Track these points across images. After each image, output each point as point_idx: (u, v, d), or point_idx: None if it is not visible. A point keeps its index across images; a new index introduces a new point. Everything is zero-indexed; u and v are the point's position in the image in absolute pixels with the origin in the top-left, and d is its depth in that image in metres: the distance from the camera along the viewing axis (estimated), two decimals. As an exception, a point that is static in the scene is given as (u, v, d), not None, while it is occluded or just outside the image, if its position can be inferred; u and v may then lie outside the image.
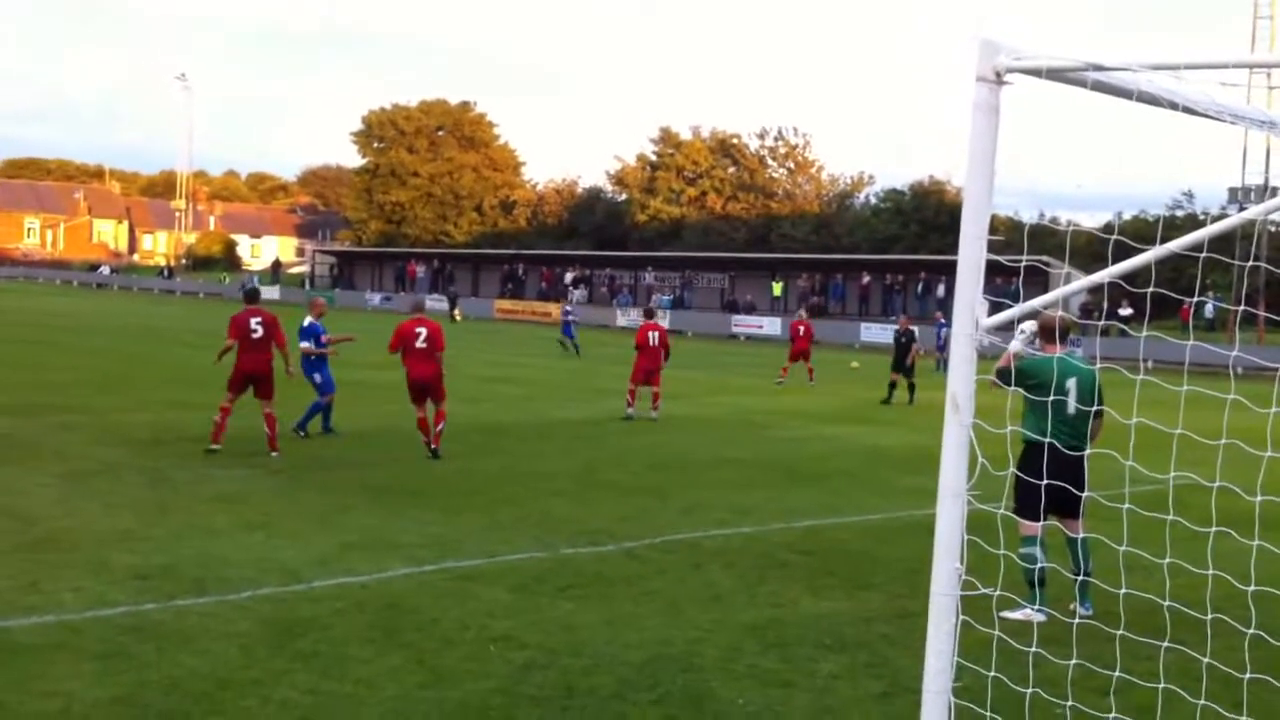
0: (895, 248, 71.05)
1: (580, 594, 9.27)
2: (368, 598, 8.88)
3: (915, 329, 29.45)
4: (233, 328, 15.64)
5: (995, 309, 4.31)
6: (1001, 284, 24.37)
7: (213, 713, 6.42)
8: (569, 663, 7.52)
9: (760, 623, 8.64)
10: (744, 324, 63.26)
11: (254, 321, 15.67)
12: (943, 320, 44.99)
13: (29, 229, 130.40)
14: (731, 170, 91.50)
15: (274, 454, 15.14)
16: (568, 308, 46.88)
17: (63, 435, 16.68)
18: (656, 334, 22.30)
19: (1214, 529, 4.30)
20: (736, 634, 8.32)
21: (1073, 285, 4.51)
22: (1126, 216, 59.71)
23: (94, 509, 11.81)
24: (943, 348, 42.78)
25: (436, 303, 75.88)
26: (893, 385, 27.79)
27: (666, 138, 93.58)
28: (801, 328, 32.97)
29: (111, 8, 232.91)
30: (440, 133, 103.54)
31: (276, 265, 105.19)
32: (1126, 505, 4.55)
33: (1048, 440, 7.83)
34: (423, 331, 16.20)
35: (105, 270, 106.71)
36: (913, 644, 6.94)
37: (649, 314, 25.07)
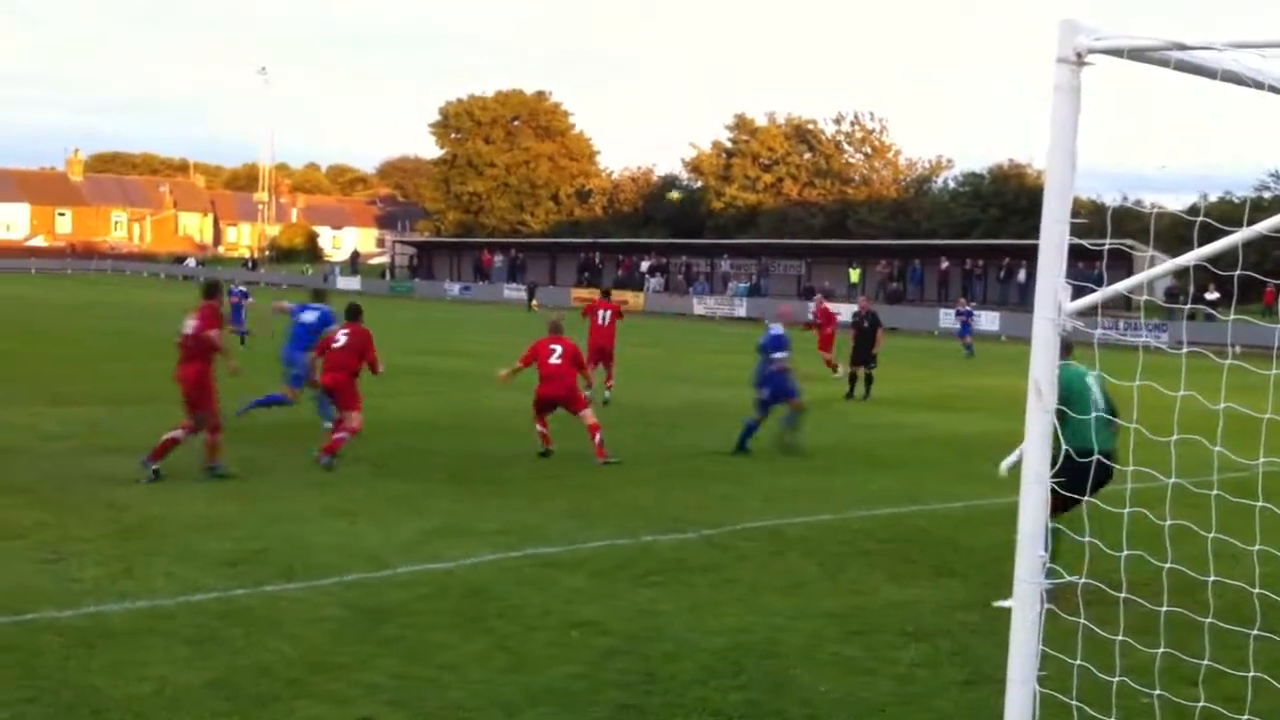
0: (974, 232, 70.22)
1: (661, 581, 9.32)
2: (452, 584, 9.01)
3: (877, 311, 26.80)
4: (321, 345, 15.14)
5: (1078, 293, 4.27)
6: (1084, 268, 23.91)
7: (302, 695, 6.56)
8: (650, 649, 7.57)
9: (842, 610, 8.63)
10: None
11: (341, 334, 15.22)
12: (966, 307, 44.45)
13: (116, 222, 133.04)
14: (807, 156, 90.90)
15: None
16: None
17: (154, 424, 17.02)
18: (608, 313, 22.36)
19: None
20: (818, 622, 8.33)
21: (1157, 269, 4.46)
22: (1212, 198, 58.54)
23: (184, 497, 12.07)
24: (964, 334, 42.33)
25: (514, 292, 76.42)
26: (853, 378, 24.89)
27: (742, 124, 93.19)
28: (824, 313, 30.33)
29: (195, 3, 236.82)
30: (516, 123, 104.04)
31: (355, 256, 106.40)
32: (1215, 492, 4.49)
33: (1096, 453, 7.55)
34: (557, 349, 15.84)
35: (191, 263, 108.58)
36: (996, 632, 6.90)
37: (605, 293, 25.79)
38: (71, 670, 6.88)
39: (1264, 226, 4.05)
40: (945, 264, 65.04)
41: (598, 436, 15.05)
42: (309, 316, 17.09)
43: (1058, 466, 7.91)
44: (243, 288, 35.16)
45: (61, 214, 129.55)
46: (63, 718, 6.17)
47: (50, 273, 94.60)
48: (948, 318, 56.39)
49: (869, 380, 24.69)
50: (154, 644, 7.39)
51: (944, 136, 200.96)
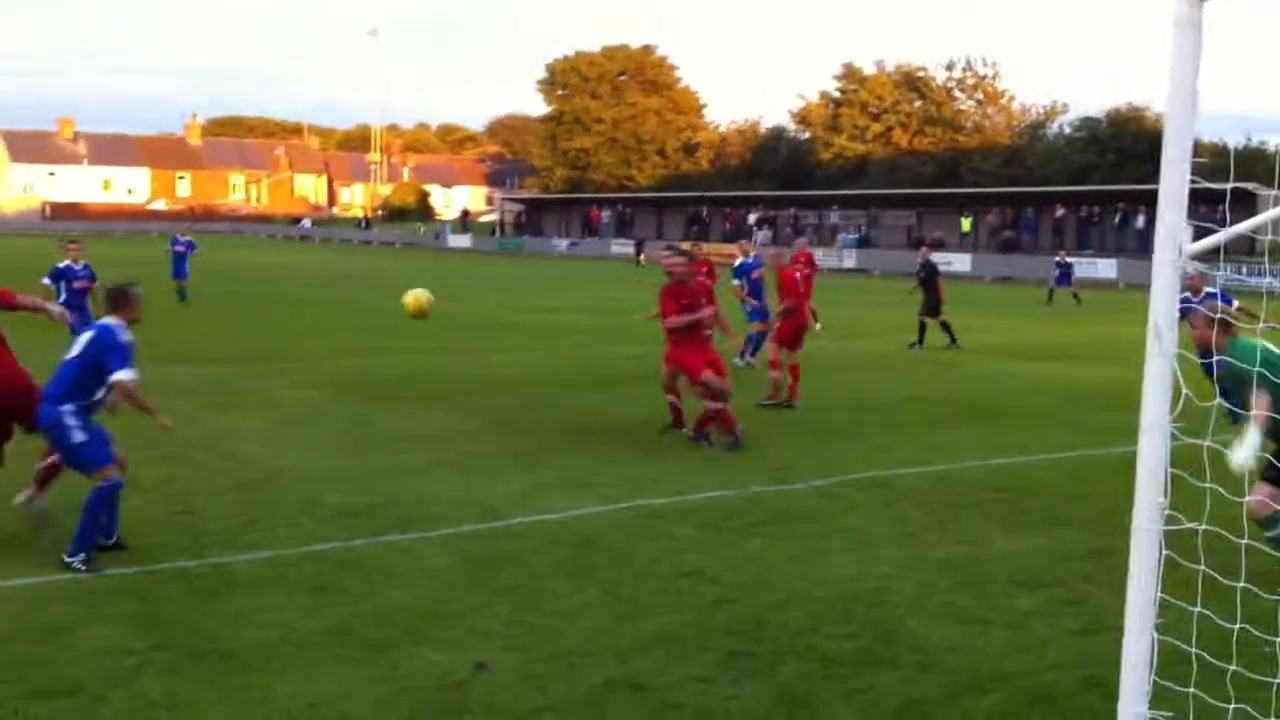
0: (1091, 178, 68.56)
1: (769, 531, 9.33)
2: (563, 534, 9.12)
3: (934, 261, 25.36)
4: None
5: (1199, 235, 4.16)
6: (1206, 212, 23.17)
7: (419, 642, 6.72)
8: (759, 597, 7.60)
9: (954, 560, 8.56)
10: (939, 260, 61.96)
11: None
12: (1066, 258, 43.29)
13: (234, 185, 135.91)
14: (918, 104, 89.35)
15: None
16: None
17: (273, 381, 17.47)
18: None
19: None
20: (929, 571, 8.27)
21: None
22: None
23: (303, 450, 12.37)
24: (1063, 281, 41.18)
25: (622, 247, 76.56)
26: (922, 327, 23.82)
27: (850, 73, 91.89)
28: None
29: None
30: (622, 78, 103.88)
31: (465, 214, 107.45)
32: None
33: None
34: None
35: (307, 223, 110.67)
36: (1113, 582, 6.78)
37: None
38: (197, 617, 7.11)
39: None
40: (1060, 212, 63.59)
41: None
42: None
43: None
44: (188, 238, 34.17)
45: (181, 177, 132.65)
46: (189, 662, 6.38)
47: (170, 234, 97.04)
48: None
49: (945, 327, 23.81)
50: (277, 592, 7.62)
51: (1059, 81, 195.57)
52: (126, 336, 8.36)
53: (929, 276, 24.45)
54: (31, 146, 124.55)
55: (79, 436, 8.14)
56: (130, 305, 8.56)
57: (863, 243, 69.10)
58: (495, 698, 5.95)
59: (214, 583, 7.82)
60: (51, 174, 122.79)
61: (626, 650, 6.63)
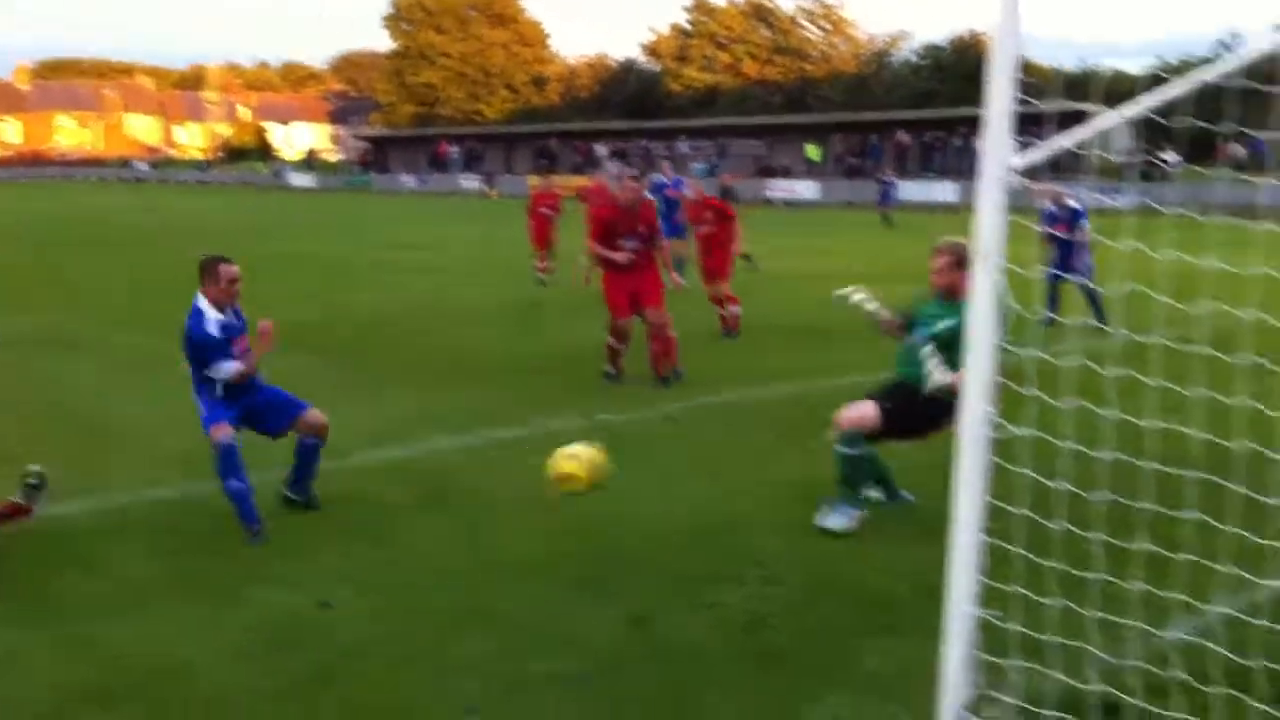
0: (934, 104, 69.93)
1: (621, 459, 9.30)
2: (412, 469, 9.05)
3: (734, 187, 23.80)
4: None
5: (1023, 150, 4.24)
6: (1036, 132, 23.82)
7: (264, 583, 6.60)
8: (610, 524, 7.65)
9: (799, 479, 8.71)
10: (780, 189, 62.71)
11: None
12: (888, 177, 45.00)
13: (63, 128, 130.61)
14: (765, 34, 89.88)
15: None
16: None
17: (108, 329, 16.90)
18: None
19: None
20: (775, 490, 8.42)
21: (1102, 120, 4.39)
22: (1170, 60, 58.41)
23: (140, 397, 12.01)
24: (884, 201, 42.92)
25: (471, 182, 75.73)
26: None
27: (700, 5, 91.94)
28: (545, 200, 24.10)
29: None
30: (470, 11, 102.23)
31: (311, 153, 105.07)
32: (1157, 339, 4.53)
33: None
34: None
35: (143, 166, 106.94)
36: (946, 493, 7.00)
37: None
38: (34, 569, 6.89)
39: (1205, 75, 4.01)
40: (905, 138, 64.76)
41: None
42: None
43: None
44: None
45: (8, 122, 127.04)
46: (24, 613, 6.19)
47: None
48: (908, 189, 56.43)
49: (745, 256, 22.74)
50: (116, 541, 7.41)
51: (904, 9, 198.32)
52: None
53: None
54: None
55: None
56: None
57: (712, 172, 69.48)
58: (339, 633, 5.89)
59: (51, 534, 7.56)
60: None
61: (476, 581, 6.62)
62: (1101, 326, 13.61)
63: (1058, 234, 14.41)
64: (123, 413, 11.23)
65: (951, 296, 7.39)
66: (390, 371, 13.28)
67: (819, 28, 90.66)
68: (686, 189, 22.00)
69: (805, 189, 61.14)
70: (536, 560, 6.96)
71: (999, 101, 4.18)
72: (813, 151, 68.04)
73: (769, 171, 67.86)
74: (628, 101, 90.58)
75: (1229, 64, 4.03)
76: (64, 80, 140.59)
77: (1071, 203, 15.91)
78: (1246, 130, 4.54)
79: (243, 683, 5.38)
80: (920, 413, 7.54)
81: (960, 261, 7.05)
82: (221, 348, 7.77)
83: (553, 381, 12.61)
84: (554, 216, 23.62)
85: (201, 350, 7.76)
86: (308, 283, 22.50)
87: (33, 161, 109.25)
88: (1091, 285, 14.65)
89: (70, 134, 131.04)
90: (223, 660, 5.60)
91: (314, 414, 8.03)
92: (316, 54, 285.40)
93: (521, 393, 12.03)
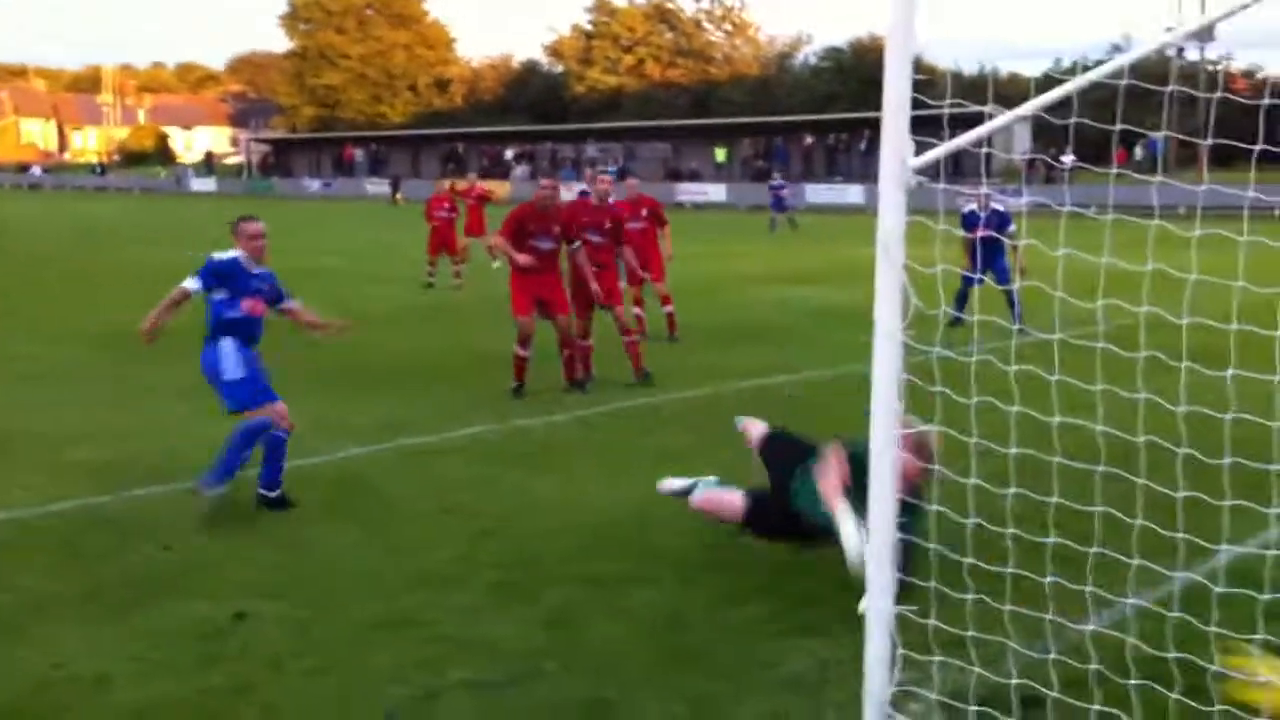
0: (835, 107, 70.72)
1: (534, 463, 9.36)
2: (322, 476, 8.94)
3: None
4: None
5: (921, 150, 4.32)
6: (945, 136, 24.24)
7: (176, 595, 6.48)
8: (525, 528, 7.63)
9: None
10: (689, 192, 62.99)
11: None
12: (778, 181, 45.26)
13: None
14: (669, 36, 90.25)
15: None
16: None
17: (12, 337, 16.48)
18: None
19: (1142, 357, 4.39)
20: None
21: (999, 119, 4.48)
22: (1065, 64, 59.71)
23: (43, 409, 11.73)
24: (778, 206, 43.01)
25: (376, 186, 74.97)
26: None
27: (601, 6, 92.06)
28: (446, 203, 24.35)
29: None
30: (369, 12, 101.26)
31: (209, 157, 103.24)
32: (1056, 337, 4.63)
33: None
34: None
35: (36, 171, 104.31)
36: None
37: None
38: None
39: (1097, 73, 4.12)
40: (809, 140, 65.43)
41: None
42: None
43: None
44: None
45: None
46: (-76, 634, 6.01)
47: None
48: (815, 193, 57.06)
49: None
50: (14, 557, 7.20)
51: (804, 12, 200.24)
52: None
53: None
54: None
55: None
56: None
57: (622, 175, 69.54)
58: (255, 644, 5.80)
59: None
60: None
61: (392, 588, 6.57)
62: (1020, 328, 13.85)
63: (976, 236, 14.63)
64: (23, 426, 10.94)
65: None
66: (298, 377, 13.07)
67: (721, 30, 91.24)
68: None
69: (715, 192, 61.44)
70: (451, 567, 6.91)
71: (895, 101, 4.26)
72: (722, 154, 68.46)
73: (677, 175, 68.17)
74: (533, 104, 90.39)
75: (1119, 64, 4.14)
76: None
77: (998, 207, 16.14)
78: (1140, 130, 4.67)
79: (164, 695, 5.27)
80: (790, 531, 6.67)
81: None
82: (249, 285, 8.20)
83: (464, 386, 12.54)
84: (452, 218, 23.68)
85: (230, 278, 8.09)
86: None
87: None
88: (1013, 288, 14.73)
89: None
90: (141, 673, 5.49)
91: (284, 406, 8.24)
92: (214, 55, 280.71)
93: (433, 398, 11.95)
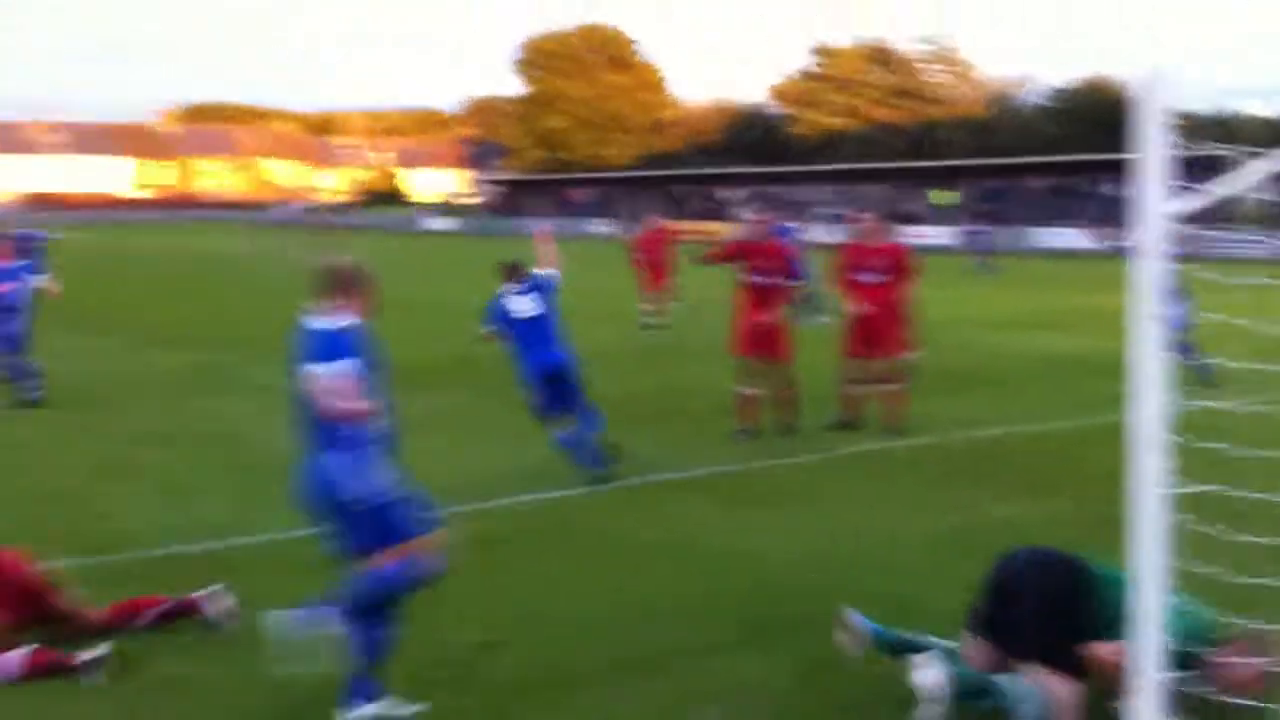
0: (1061, 148, 68.82)
1: (770, 503, 9.40)
2: (559, 512, 9.15)
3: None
4: None
5: (1178, 195, 4.19)
6: (1190, 179, 23.28)
7: (425, 620, 6.70)
8: (765, 569, 7.66)
9: (951, 529, 8.63)
10: (907, 235, 62.15)
11: None
12: (979, 227, 43.81)
13: (208, 172, 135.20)
14: (887, 77, 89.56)
15: None
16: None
17: (260, 366, 17.40)
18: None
19: None
20: (929, 540, 8.35)
21: (1263, 163, 4.32)
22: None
23: (292, 434, 12.30)
24: (980, 250, 41.71)
25: (599, 227, 76.38)
26: None
27: (822, 49, 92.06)
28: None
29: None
30: (593, 56, 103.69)
31: (449, 198, 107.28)
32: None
33: None
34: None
35: (280, 210, 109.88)
36: (1113, 547, 6.88)
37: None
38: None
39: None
40: (1032, 182, 63.84)
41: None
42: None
43: None
44: (34, 231, 29.22)
45: (159, 166, 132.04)
46: (196, 642, 6.35)
47: (150, 223, 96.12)
48: (1037, 237, 55.63)
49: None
50: (274, 575, 7.60)
51: (1027, 53, 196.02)
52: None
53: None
54: (7, 138, 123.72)
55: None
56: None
57: (838, 219, 69.16)
58: (503, 674, 5.98)
59: (213, 567, 7.79)
60: (29, 164, 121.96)
61: (636, 626, 6.66)
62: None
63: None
64: (279, 449, 11.51)
65: None
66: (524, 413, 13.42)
67: (940, 71, 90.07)
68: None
69: (933, 234, 60.50)
70: (696, 605, 6.97)
71: (1153, 148, 4.12)
72: (939, 196, 67.38)
73: (896, 217, 67.36)
74: (751, 146, 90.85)
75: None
76: (206, 125, 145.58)
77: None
78: None
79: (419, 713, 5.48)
80: None
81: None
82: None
83: (691, 427, 12.63)
84: (662, 257, 23.77)
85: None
86: (440, 323, 22.89)
87: (178, 204, 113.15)
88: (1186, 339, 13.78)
89: (213, 177, 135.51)
90: (396, 692, 5.71)
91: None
92: (447, 99, 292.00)
93: (657, 439, 12.08)
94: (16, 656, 5.94)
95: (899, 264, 12.63)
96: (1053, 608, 5.33)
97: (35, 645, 6.04)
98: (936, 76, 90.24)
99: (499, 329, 10.39)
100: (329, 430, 5.50)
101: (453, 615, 6.86)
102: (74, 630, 6.28)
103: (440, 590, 7.26)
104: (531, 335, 10.26)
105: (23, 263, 15.13)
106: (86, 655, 5.92)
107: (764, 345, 12.02)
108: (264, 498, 9.61)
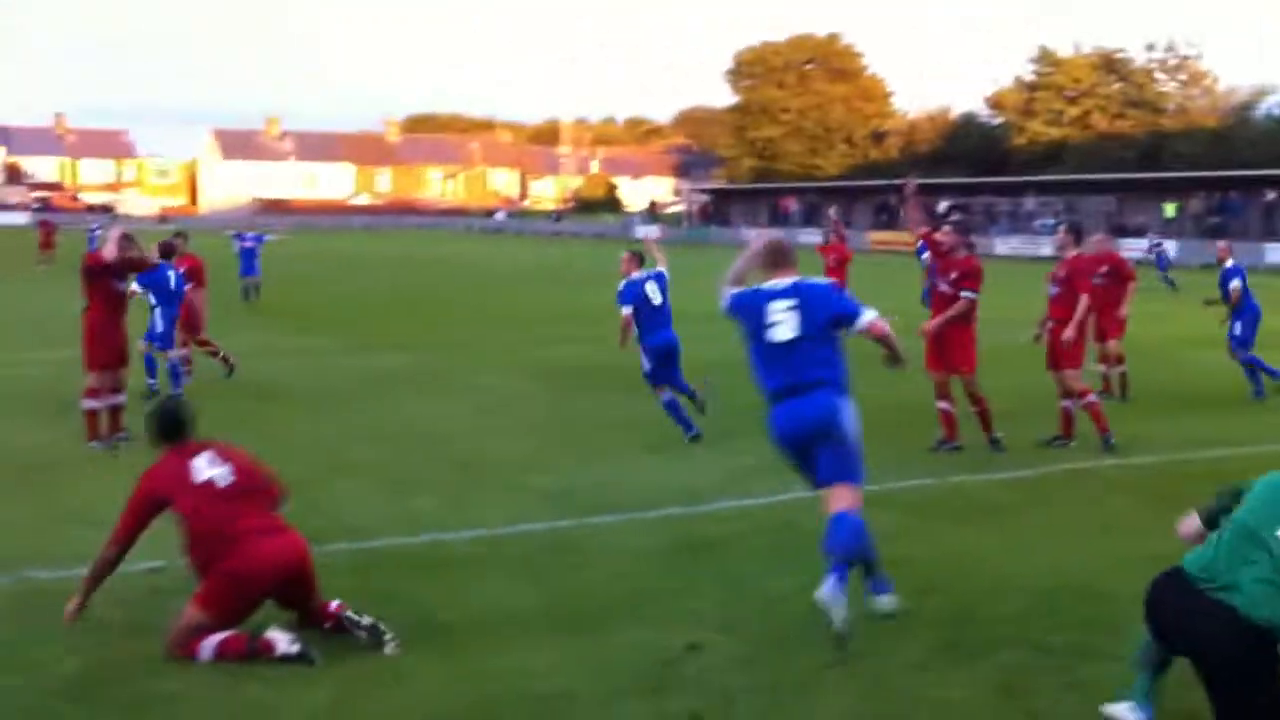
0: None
1: (975, 520, 9.25)
2: (764, 518, 9.21)
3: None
4: None
5: None
6: None
7: (630, 620, 6.88)
8: (967, 586, 7.56)
9: (1164, 554, 8.25)
10: (1135, 247, 59.89)
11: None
12: (1156, 239, 42.35)
13: (431, 180, 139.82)
14: (1117, 86, 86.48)
15: None
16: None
17: (473, 369, 17.99)
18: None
19: None
20: (1137, 564, 8.00)
21: None
22: None
23: (505, 434, 12.73)
24: (1159, 264, 40.70)
25: (810, 236, 76.05)
26: None
27: (1044, 56, 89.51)
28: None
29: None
30: (809, 67, 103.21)
31: (651, 205, 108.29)
32: None
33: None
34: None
35: (500, 216, 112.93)
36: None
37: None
38: (415, 591, 7.38)
39: None
40: (1271, 195, 60.67)
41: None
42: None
43: None
44: (256, 234, 31.63)
45: (380, 173, 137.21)
46: (408, 633, 6.61)
47: (372, 228, 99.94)
48: (1274, 253, 52.90)
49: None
50: (486, 569, 7.88)
51: (1269, 61, 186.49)
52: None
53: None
54: (241, 144, 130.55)
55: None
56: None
57: (1071, 229, 67.10)
58: (707, 677, 6.06)
59: (426, 559, 8.13)
60: (260, 171, 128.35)
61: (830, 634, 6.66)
62: None
63: None
64: (489, 452, 11.91)
65: None
66: (735, 418, 13.51)
67: (1175, 80, 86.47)
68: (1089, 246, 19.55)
69: (1167, 247, 58.21)
70: (893, 620, 6.93)
71: None
72: (1171, 209, 64.76)
73: (1122, 230, 65.01)
74: (969, 155, 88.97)
75: None
76: (429, 134, 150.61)
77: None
78: None
79: (626, 715, 5.63)
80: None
81: None
82: None
83: (902, 438, 12.50)
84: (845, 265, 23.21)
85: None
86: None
87: (403, 210, 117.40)
88: None
89: (437, 185, 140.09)
90: (599, 695, 5.85)
91: None
92: (660, 109, 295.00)
93: (872, 447, 11.94)
94: (218, 638, 6.17)
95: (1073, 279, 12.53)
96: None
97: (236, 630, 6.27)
98: (1171, 86, 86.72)
99: (635, 308, 12.44)
100: (833, 376, 6.81)
101: (661, 609, 6.99)
102: (306, 622, 6.53)
103: (644, 583, 7.44)
104: (657, 318, 12.60)
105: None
106: (287, 644, 6.16)
107: (942, 356, 11.96)
108: (477, 495, 9.98)
